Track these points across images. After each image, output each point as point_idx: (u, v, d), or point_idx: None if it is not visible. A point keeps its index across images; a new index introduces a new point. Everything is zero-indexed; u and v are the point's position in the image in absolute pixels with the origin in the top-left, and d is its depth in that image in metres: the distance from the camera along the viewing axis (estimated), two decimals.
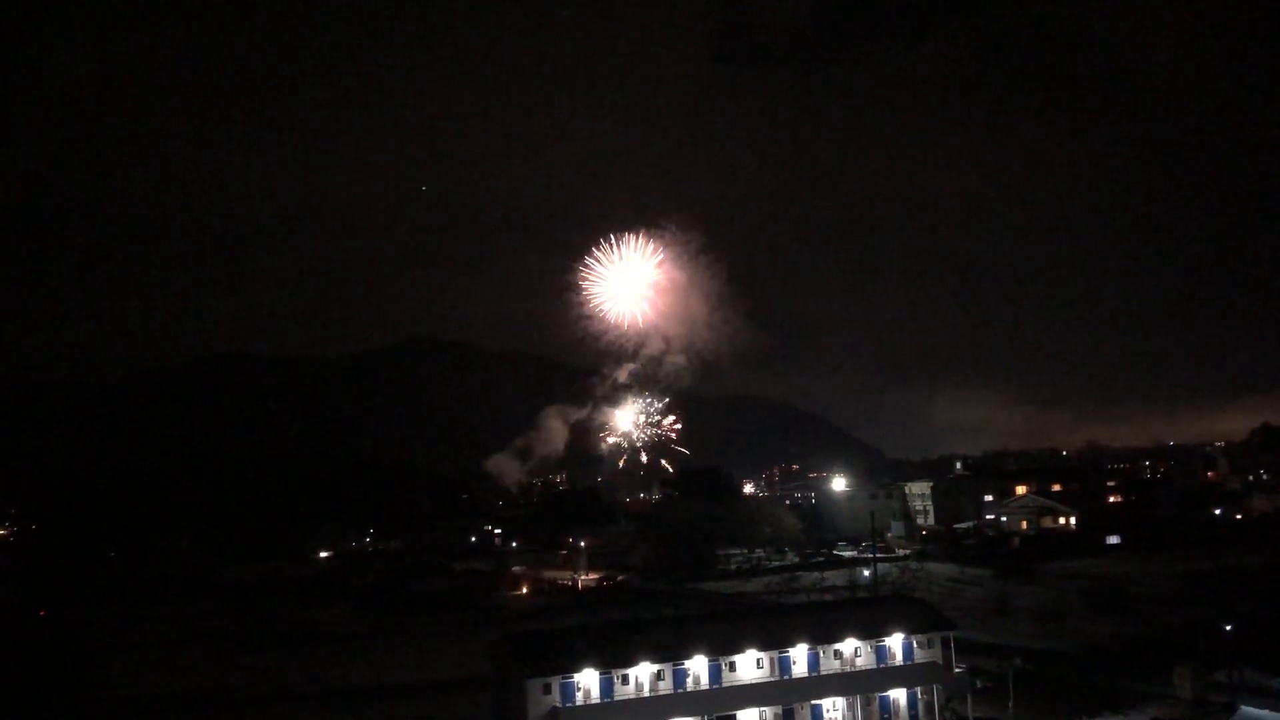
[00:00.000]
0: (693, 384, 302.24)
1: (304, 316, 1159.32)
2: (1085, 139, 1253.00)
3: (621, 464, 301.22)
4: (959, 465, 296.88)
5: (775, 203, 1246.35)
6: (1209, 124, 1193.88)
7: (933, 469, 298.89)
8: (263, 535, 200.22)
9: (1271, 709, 65.95)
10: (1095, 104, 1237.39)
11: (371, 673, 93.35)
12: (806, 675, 63.29)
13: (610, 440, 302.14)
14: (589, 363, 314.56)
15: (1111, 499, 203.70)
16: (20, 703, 74.68)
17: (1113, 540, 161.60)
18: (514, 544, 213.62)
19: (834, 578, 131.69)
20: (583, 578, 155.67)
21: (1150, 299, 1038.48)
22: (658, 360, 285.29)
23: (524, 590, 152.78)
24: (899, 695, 64.45)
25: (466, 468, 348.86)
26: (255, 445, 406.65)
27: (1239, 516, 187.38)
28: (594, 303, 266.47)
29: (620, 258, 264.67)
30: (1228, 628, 73.42)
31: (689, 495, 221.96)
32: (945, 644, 66.97)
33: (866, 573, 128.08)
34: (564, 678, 58.74)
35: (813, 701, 62.52)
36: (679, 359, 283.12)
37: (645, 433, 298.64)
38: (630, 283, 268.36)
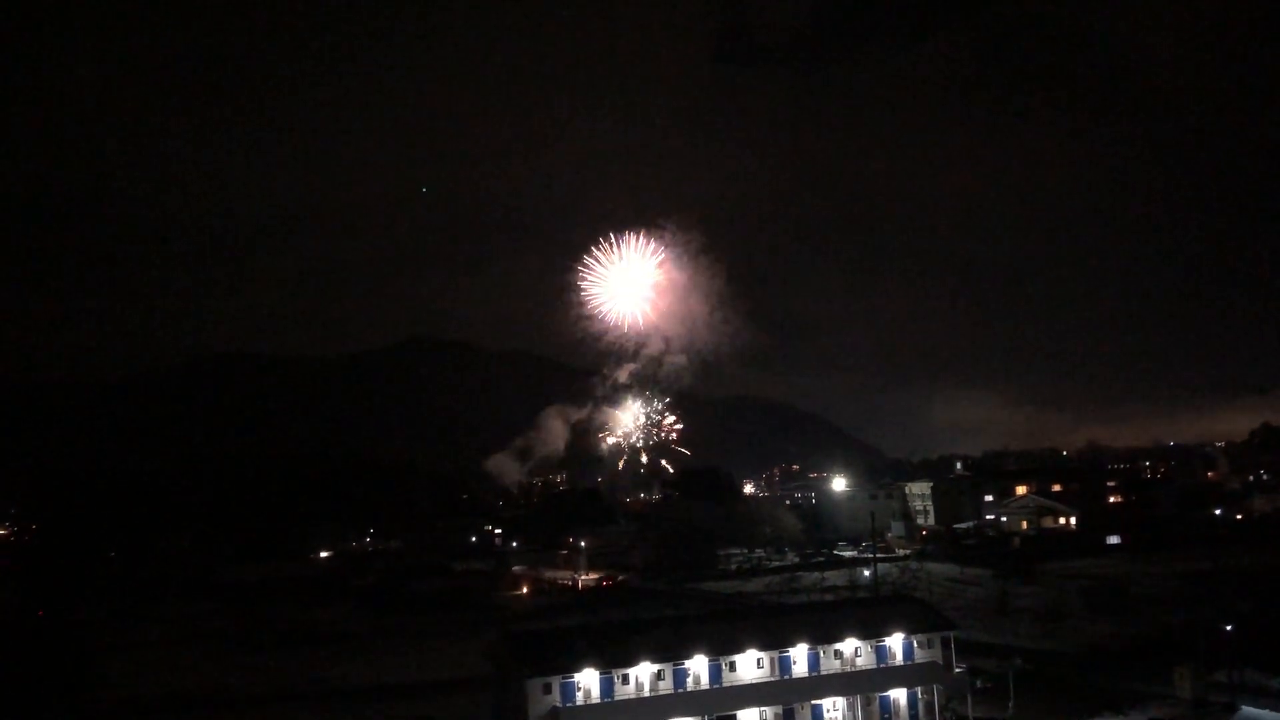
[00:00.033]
0: (693, 384, 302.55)
1: (304, 316, 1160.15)
2: (1085, 139, 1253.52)
3: (622, 464, 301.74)
4: (959, 465, 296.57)
5: (775, 203, 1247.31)
6: (1209, 124, 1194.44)
7: (933, 469, 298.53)
8: (263, 535, 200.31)
9: (1272, 709, 65.93)
10: (1095, 104, 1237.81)
11: (371, 673, 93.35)
12: (807, 675, 63.29)
13: (610, 440, 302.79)
14: (589, 363, 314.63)
15: (1112, 499, 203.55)
16: (20, 703, 74.69)
17: (1113, 540, 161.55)
18: (514, 544, 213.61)
19: (834, 578, 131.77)
20: (583, 578, 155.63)
21: (1150, 299, 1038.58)
22: (658, 360, 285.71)
23: (524, 590, 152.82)
24: (899, 695, 64.45)
25: (467, 468, 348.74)
26: (255, 445, 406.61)
27: (1239, 517, 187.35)
28: (594, 303, 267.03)
29: (620, 258, 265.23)
30: (1228, 628, 73.39)
31: (689, 495, 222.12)
32: (945, 644, 66.98)
33: (867, 573, 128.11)
34: (564, 677, 58.74)
35: (813, 701, 62.52)
36: (679, 359, 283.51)
37: (646, 433, 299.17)
38: (630, 283, 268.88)
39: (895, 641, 65.62)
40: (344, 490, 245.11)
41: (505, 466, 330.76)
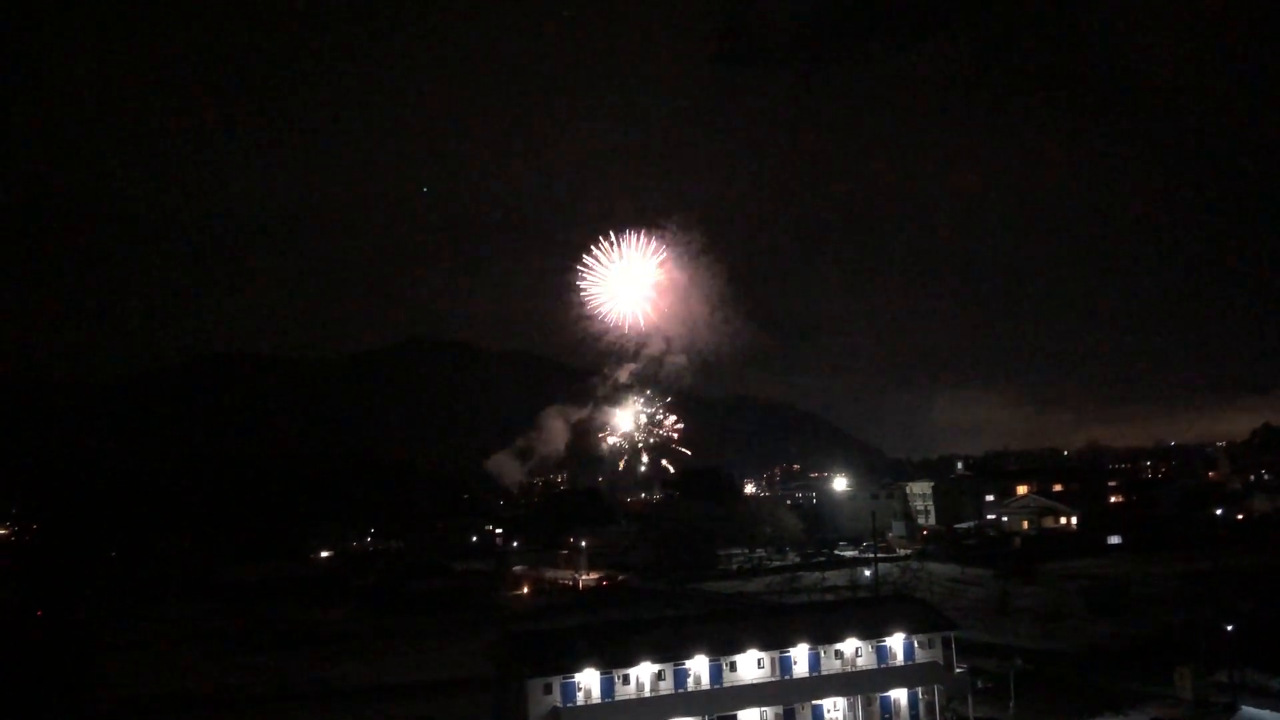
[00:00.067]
0: (693, 384, 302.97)
1: (304, 316, 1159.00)
2: (1085, 139, 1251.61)
3: (622, 464, 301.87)
4: (960, 465, 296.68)
5: (775, 203, 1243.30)
6: (1209, 124, 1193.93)
7: (934, 469, 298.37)
8: (263, 535, 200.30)
9: (1272, 709, 65.85)
10: (1095, 104, 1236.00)
11: (372, 673, 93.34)
12: (807, 675, 63.25)
13: (611, 440, 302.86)
14: (590, 363, 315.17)
15: (1112, 499, 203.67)
16: (20, 703, 74.63)
17: (1114, 540, 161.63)
18: (515, 544, 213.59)
19: (835, 578, 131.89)
20: (583, 578, 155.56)
21: (1150, 299, 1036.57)
22: (658, 360, 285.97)
23: (525, 590, 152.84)
24: (900, 695, 64.39)
25: (467, 468, 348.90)
26: (255, 445, 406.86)
27: (1240, 517, 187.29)
28: (595, 303, 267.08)
29: (621, 257, 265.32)
30: (1229, 628, 73.32)
31: (690, 495, 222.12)
32: (946, 644, 66.96)
33: (867, 573, 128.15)
34: (565, 678, 58.71)
35: (814, 702, 62.45)
36: (680, 359, 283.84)
37: (646, 433, 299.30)
38: (631, 283, 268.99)
39: (896, 642, 65.59)
40: (344, 490, 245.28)
41: (506, 466, 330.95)
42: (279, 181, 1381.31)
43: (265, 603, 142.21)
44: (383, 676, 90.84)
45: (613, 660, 59.90)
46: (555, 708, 57.96)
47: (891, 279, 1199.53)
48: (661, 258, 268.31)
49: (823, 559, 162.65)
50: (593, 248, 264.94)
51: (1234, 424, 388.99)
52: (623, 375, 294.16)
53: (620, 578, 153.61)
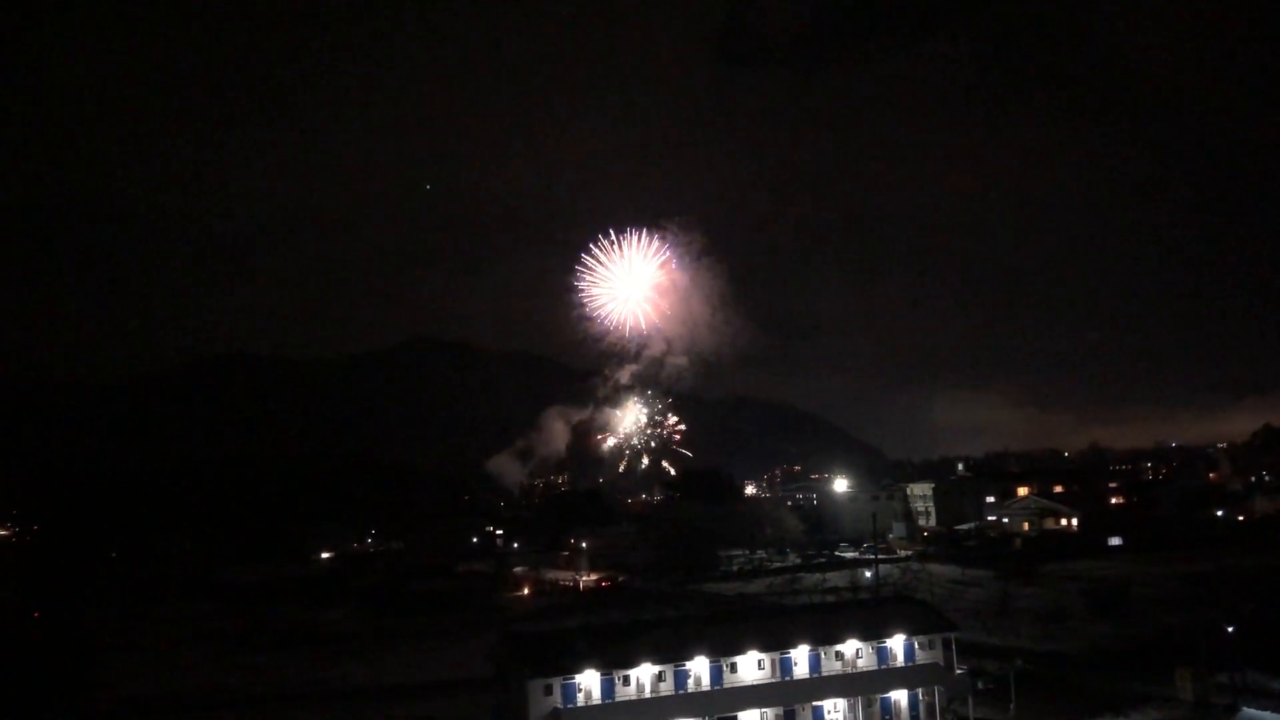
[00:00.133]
0: (694, 385, 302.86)
1: (304, 316, 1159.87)
2: (1085, 139, 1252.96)
3: (623, 465, 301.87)
4: (961, 466, 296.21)
5: (775, 203, 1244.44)
6: (1209, 124, 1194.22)
7: (934, 470, 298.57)
8: (263, 536, 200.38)
9: (1273, 710, 65.76)
10: (1095, 104, 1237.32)
11: (372, 673, 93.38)
12: (808, 676, 63.19)
13: (612, 441, 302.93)
14: (591, 363, 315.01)
15: (1113, 500, 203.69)
16: (20, 703, 74.60)
17: (1114, 542, 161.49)
18: (515, 545, 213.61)
19: (835, 579, 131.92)
20: (584, 579, 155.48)
21: (1151, 299, 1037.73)
22: (659, 361, 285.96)
23: (525, 591, 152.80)
24: (900, 696, 64.32)
25: (468, 468, 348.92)
26: (255, 445, 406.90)
27: (1241, 518, 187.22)
28: (595, 304, 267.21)
29: (622, 258, 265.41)
30: (1229, 629, 73.30)
31: (690, 496, 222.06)
32: (947, 645, 66.89)
33: (868, 574, 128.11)
34: (565, 679, 58.66)
35: (814, 703, 62.38)
36: (680, 360, 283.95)
37: (647, 434, 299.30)
38: (632, 284, 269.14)
39: (896, 643, 65.52)
40: (344, 491, 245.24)
41: (506, 467, 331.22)
42: (279, 181, 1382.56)
43: (265, 603, 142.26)
44: (383, 677, 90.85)
45: (613, 661, 59.86)
46: (556, 709, 57.90)
47: (891, 279, 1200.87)
48: (662, 259, 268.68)
49: (823, 560, 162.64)
50: (593, 248, 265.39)
51: (1235, 425, 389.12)
52: (623, 376, 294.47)
53: (621, 579, 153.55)
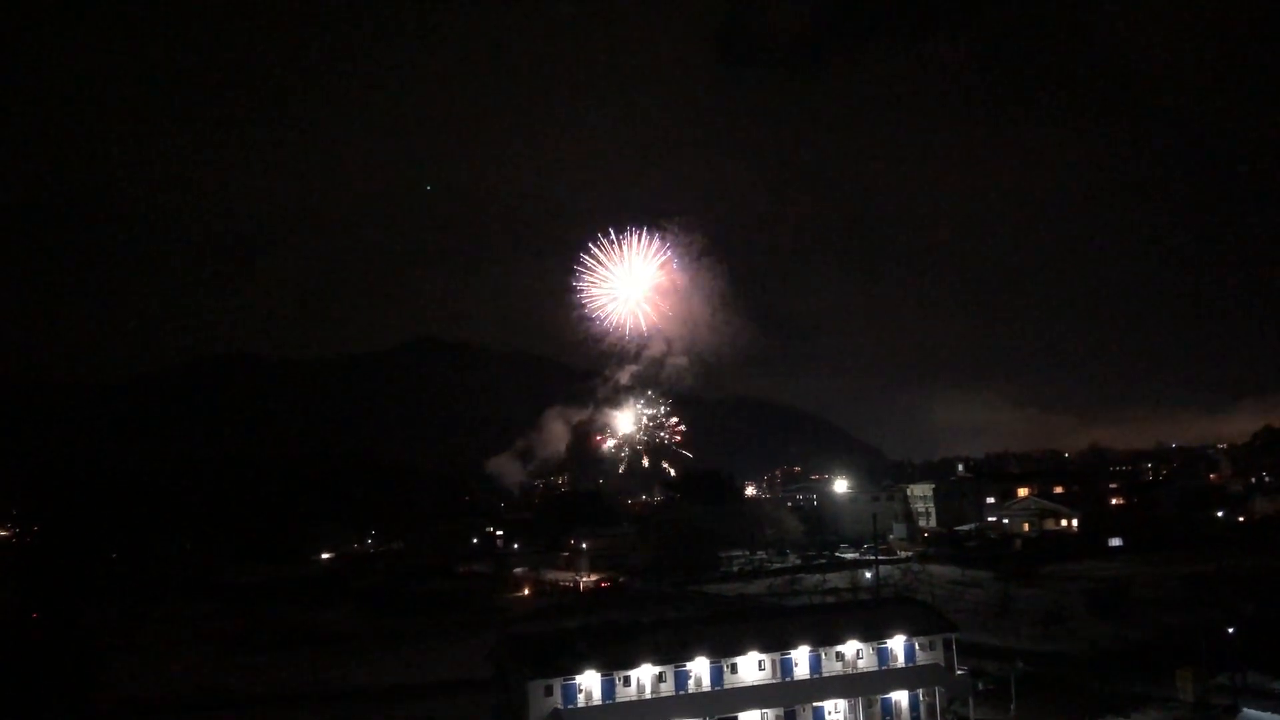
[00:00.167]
0: (694, 386, 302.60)
1: (304, 316, 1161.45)
2: (1085, 139, 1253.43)
3: (623, 466, 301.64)
4: (961, 467, 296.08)
5: (775, 203, 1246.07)
6: (1209, 124, 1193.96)
7: (934, 471, 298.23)
8: (263, 536, 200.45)
9: (1274, 711, 65.73)
10: (1095, 104, 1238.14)
11: (372, 674, 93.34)
12: (808, 677, 63.21)
13: (612, 442, 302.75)
14: (591, 364, 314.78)
15: (1113, 501, 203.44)
16: (21, 703, 74.57)
17: (1115, 542, 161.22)
18: (516, 545, 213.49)
19: (836, 580, 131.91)
20: (584, 579, 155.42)
21: (1151, 299, 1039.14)
22: (659, 362, 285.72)
23: (526, 592, 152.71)
24: (901, 697, 64.32)
25: (468, 469, 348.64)
26: (256, 446, 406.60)
27: (1241, 519, 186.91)
28: (596, 304, 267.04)
29: (622, 258, 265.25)
30: (1230, 630, 73.21)
31: (691, 497, 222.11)
32: (947, 646, 66.89)
33: (868, 574, 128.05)
34: (565, 679, 58.67)
35: (814, 703, 62.41)
36: (681, 361, 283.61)
37: (647, 434, 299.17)
38: (632, 284, 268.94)
39: (897, 643, 65.52)
40: (345, 491, 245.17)
41: (507, 468, 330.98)
42: (279, 181, 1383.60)
43: (265, 603, 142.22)
44: (383, 677, 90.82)
45: (613, 662, 59.85)
46: (556, 709, 57.90)
47: (891, 279, 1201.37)
48: (663, 259, 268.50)
49: (824, 561, 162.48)
50: (593, 248, 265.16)
51: (1235, 426, 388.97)
52: (624, 377, 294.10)
53: (621, 579, 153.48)
